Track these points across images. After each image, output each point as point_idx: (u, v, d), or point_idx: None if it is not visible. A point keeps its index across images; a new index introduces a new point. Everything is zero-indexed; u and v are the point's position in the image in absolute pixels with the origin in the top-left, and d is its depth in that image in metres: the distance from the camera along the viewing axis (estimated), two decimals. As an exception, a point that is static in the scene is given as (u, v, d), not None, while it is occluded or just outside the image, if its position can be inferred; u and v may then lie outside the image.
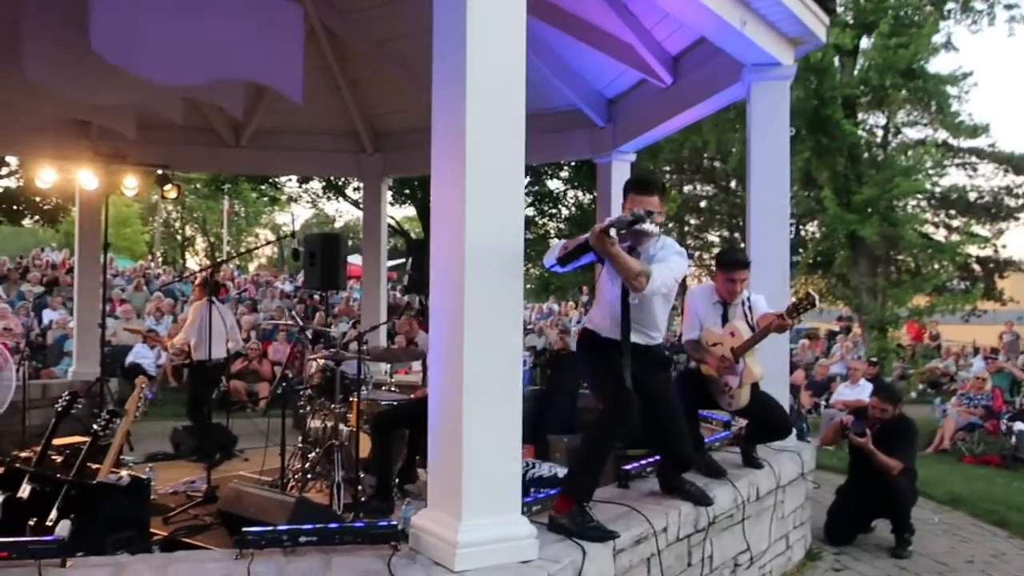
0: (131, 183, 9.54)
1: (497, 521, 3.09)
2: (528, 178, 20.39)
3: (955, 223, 25.23)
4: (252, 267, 38.02)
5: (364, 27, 8.74)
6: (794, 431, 5.60)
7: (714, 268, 5.08)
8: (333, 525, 3.19)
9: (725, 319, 4.84)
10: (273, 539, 3.09)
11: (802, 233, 27.89)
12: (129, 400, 4.64)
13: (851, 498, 6.16)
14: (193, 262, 39.20)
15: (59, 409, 4.70)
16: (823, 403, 11.54)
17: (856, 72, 16.25)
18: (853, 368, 11.54)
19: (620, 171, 8.77)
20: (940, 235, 23.37)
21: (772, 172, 6.01)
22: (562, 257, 3.60)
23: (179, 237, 44.64)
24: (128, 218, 36.79)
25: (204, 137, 10.10)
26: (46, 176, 9.82)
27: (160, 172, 9.43)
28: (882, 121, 24.37)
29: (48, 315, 15.22)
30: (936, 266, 15.41)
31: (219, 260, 8.26)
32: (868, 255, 16.03)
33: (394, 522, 3.27)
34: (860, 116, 21.60)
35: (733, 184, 26.49)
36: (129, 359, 12.92)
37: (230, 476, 6.07)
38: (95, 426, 4.57)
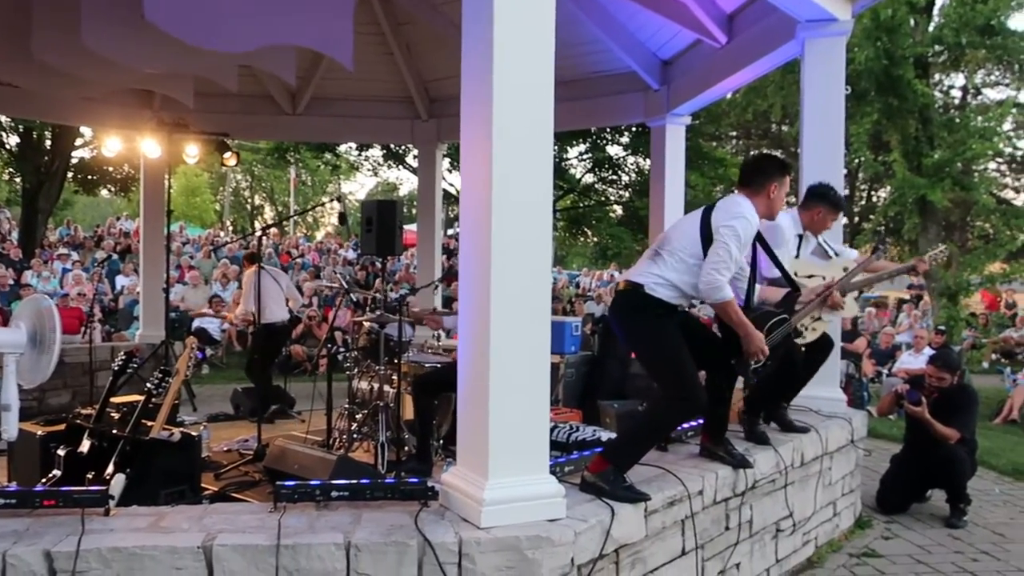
0: (192, 151, 9.79)
1: (524, 480, 3.11)
2: (585, 144, 20.20)
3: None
4: (319, 235, 38.70)
5: (417, -10, 8.73)
6: (832, 397, 5.48)
7: (810, 200, 5.01)
8: (365, 481, 3.25)
9: (799, 249, 4.94)
10: (306, 493, 3.17)
11: (873, 199, 27.14)
12: (179, 360, 4.79)
13: (906, 467, 6.03)
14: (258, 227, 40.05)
15: (116, 368, 4.88)
16: (886, 372, 11.25)
17: (931, 30, 15.57)
18: (918, 336, 11.21)
19: (674, 135, 8.61)
20: (1020, 200, 22.45)
21: (826, 134, 5.82)
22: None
23: (248, 206, 45.68)
24: (198, 187, 37.80)
25: (262, 105, 10.25)
26: (112, 145, 10.20)
27: (220, 140, 9.67)
28: (960, 82, 23.42)
29: (120, 281, 15.81)
30: (1010, 232, 14.76)
31: (263, 227, 8.39)
32: (938, 221, 15.47)
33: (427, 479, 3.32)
34: (936, 77, 20.77)
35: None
36: (195, 323, 13.31)
37: (287, 436, 6.24)
38: (148, 385, 4.74)
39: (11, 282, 13.90)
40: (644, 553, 3.49)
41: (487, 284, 3.06)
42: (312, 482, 3.23)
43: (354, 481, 3.24)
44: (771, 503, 4.53)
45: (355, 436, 5.58)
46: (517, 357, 3.10)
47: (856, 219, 26.88)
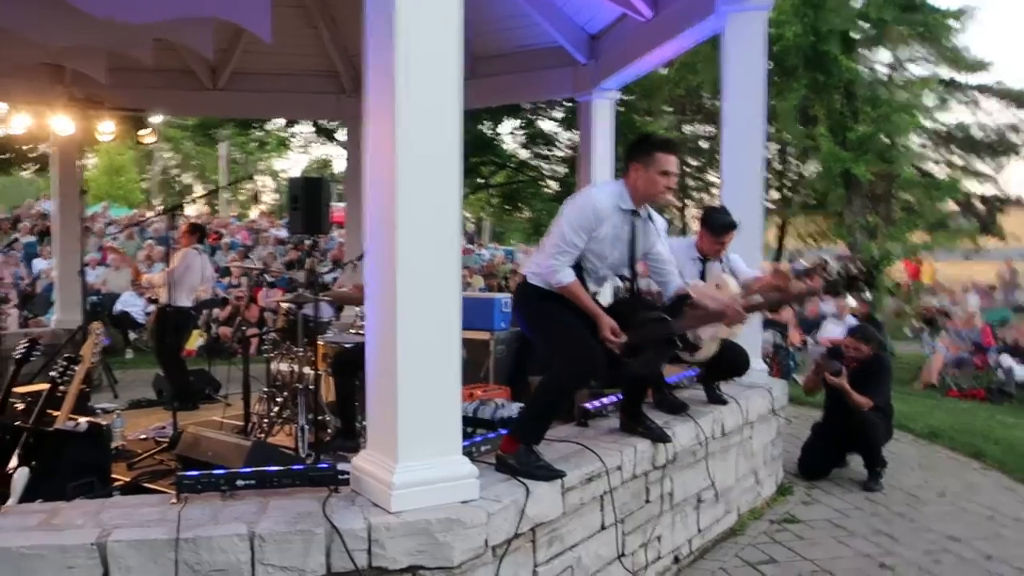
0: (107, 128, 9.42)
1: (436, 462, 3.05)
2: (518, 121, 20.10)
3: (958, 161, 24.92)
4: (253, 214, 37.86)
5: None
6: (752, 367, 5.47)
7: (700, 226, 5.04)
8: (272, 468, 3.15)
9: (703, 275, 4.87)
10: (210, 483, 3.06)
11: (803, 173, 27.64)
12: (84, 346, 4.60)
13: (825, 434, 6.18)
14: (191, 210, 38.90)
15: (17, 357, 4.67)
16: (811, 341, 11.50)
17: (856, 6, 15.83)
18: (841, 305, 11.47)
19: (602, 109, 8.60)
20: (943, 173, 23.10)
21: (746, 108, 5.86)
22: None
23: (177, 185, 44.34)
24: (123, 166, 36.50)
25: (182, 80, 9.91)
26: (19, 122, 9.73)
27: (137, 116, 9.35)
28: (886, 58, 23.93)
29: (38, 265, 15.21)
30: (932, 203, 15.20)
31: (170, 207, 8.06)
32: (863, 193, 15.83)
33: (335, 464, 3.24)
34: (863, 53, 21.16)
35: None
36: (118, 307, 12.90)
37: (203, 422, 6.07)
38: (52, 373, 4.54)
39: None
40: (562, 530, 3.48)
41: (392, 254, 2.97)
42: (216, 471, 3.12)
43: (260, 468, 3.14)
44: (692, 474, 4.57)
45: (276, 420, 5.45)
46: (426, 332, 3.02)
47: (788, 192, 27.38)
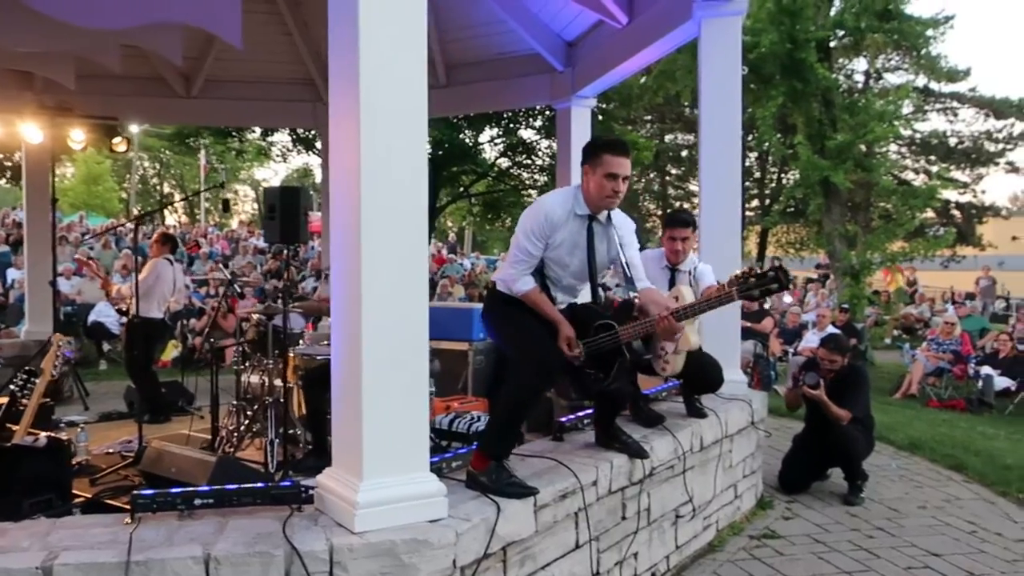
0: (78, 136, 9.25)
1: (402, 479, 2.93)
2: (497, 129, 20.00)
3: (935, 169, 25.14)
4: (233, 223, 37.59)
5: (312, -33, 8.41)
6: (732, 379, 5.42)
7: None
8: (231, 486, 3.03)
9: (672, 285, 4.77)
10: (166, 502, 2.93)
11: (783, 181, 27.78)
12: (45, 359, 4.45)
13: (806, 447, 6.10)
14: (172, 219, 38.60)
15: (-26, 370, 4.53)
16: (791, 351, 11.47)
17: (832, 15, 15.90)
18: (821, 315, 11.46)
19: (579, 117, 8.53)
20: (920, 182, 23.26)
21: (723, 113, 5.81)
22: None
23: (156, 194, 43.95)
24: (100, 175, 36.16)
25: (154, 88, 9.76)
26: (-13, 130, 9.53)
27: (108, 124, 9.17)
28: (863, 66, 24.08)
29: (12, 274, 14.97)
30: (909, 211, 15.25)
31: (135, 216, 7.84)
32: (842, 202, 15.87)
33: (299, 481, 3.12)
34: (840, 61, 21.26)
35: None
36: (92, 318, 12.68)
37: (169, 436, 5.91)
38: (12, 386, 4.40)
39: None
40: (534, 549, 3.37)
41: (357, 261, 2.86)
42: (173, 489, 2.99)
43: (219, 487, 3.02)
44: (670, 489, 4.47)
45: (246, 434, 5.31)
46: (392, 344, 2.91)
47: (767, 201, 27.49)
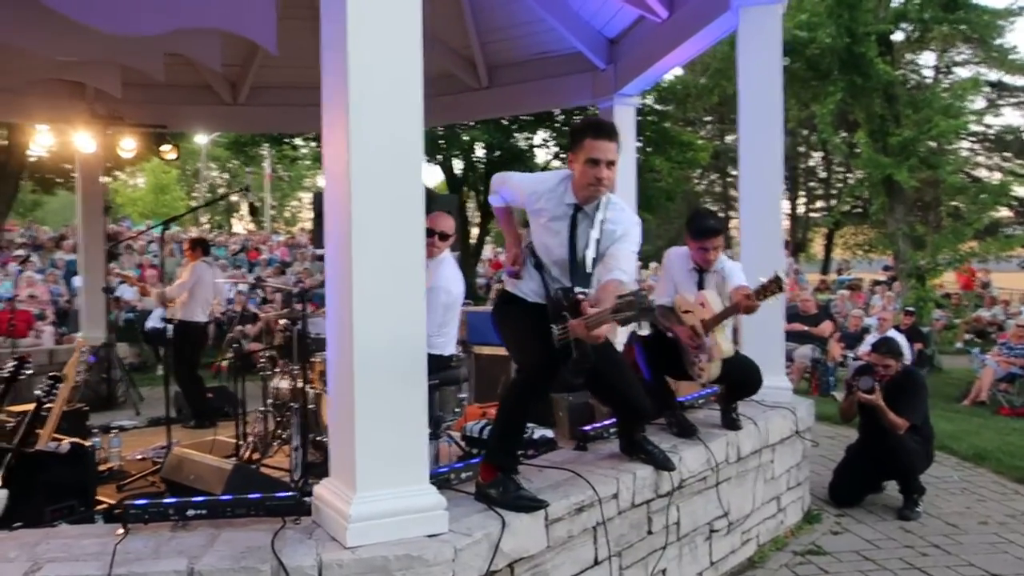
0: (128, 145, 9.43)
1: (398, 492, 2.80)
2: (549, 132, 19.71)
3: (1009, 165, 24.09)
4: (295, 230, 38.23)
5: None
6: (775, 386, 5.14)
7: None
8: (225, 497, 2.94)
9: (700, 286, 4.54)
10: (158, 513, 2.85)
11: (848, 180, 26.94)
12: (68, 365, 4.46)
13: (860, 457, 5.77)
14: (240, 227, 39.42)
15: (6, 375, 4.55)
16: (851, 356, 11.00)
17: (894, 6, 15.26)
18: (882, 318, 10.96)
19: (623, 116, 8.27)
20: (995, 179, 22.28)
21: (763, 105, 5.55)
22: None
23: (224, 203, 44.89)
24: (167, 184, 37.14)
25: (201, 96, 9.84)
26: (42, 140, 9.79)
27: (157, 132, 9.34)
28: (931, 60, 23.22)
29: (76, 282, 15.38)
30: (978, 209, 14.50)
31: (165, 221, 7.82)
32: (906, 201, 15.18)
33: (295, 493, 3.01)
34: (907, 56, 20.47)
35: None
36: (149, 324, 12.92)
37: (194, 443, 5.86)
38: (37, 391, 4.41)
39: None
40: (547, 565, 3.20)
41: (348, 266, 2.77)
42: (166, 500, 2.91)
43: (212, 497, 2.93)
44: (703, 502, 4.25)
45: (271, 441, 5.25)
46: (388, 355, 2.79)
47: (833, 201, 26.72)
